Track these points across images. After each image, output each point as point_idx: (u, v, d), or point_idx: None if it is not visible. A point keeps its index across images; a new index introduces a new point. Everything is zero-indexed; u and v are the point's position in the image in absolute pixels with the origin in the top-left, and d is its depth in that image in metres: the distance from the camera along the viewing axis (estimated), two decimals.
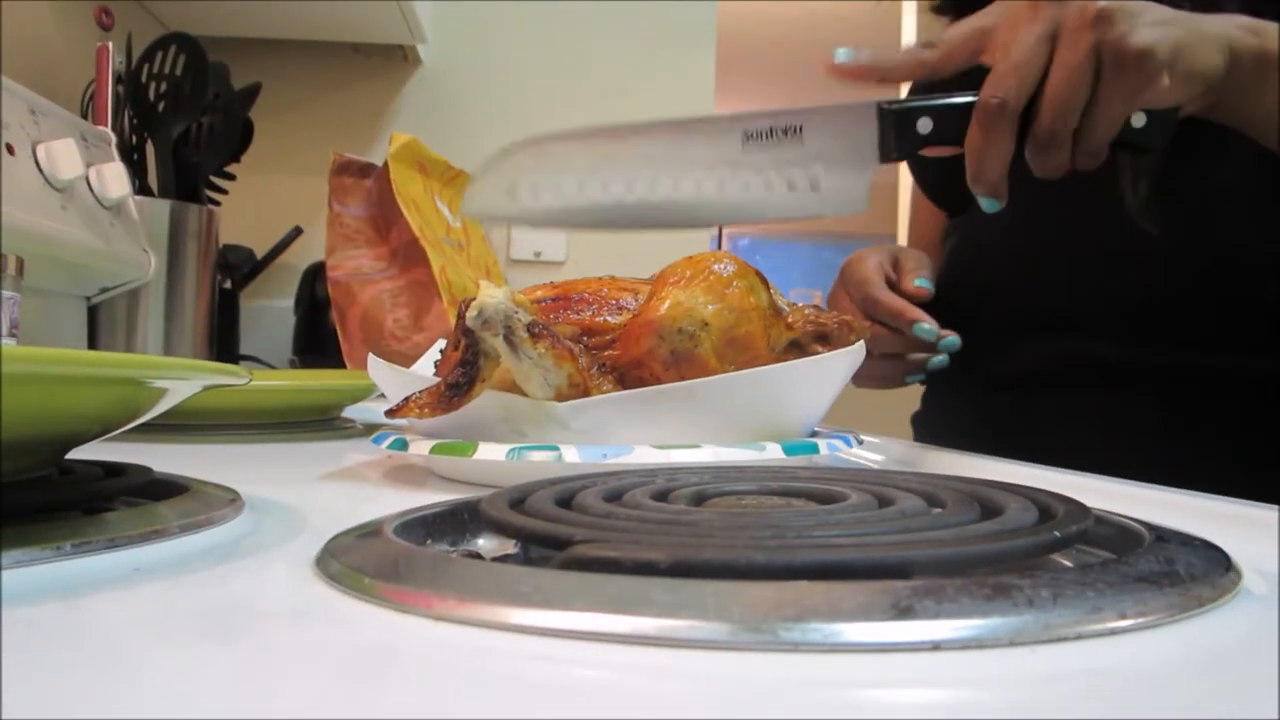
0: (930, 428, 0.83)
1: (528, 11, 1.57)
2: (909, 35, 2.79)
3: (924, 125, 0.51)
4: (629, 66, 1.59)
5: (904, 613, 0.18)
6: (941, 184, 0.83)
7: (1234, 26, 0.51)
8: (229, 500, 0.33)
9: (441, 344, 0.56)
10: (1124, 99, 0.49)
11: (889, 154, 0.51)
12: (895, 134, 0.51)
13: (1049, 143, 0.49)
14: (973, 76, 0.51)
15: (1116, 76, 0.48)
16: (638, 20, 1.59)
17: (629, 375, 0.45)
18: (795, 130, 0.51)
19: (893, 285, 0.71)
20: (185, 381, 0.33)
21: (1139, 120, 0.50)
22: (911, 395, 0.86)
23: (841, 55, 0.52)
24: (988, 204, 0.52)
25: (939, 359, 0.68)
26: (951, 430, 0.78)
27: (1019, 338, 0.70)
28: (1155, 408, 0.64)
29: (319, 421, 0.75)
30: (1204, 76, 0.50)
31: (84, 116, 1.04)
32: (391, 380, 0.53)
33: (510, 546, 0.29)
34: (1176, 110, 0.51)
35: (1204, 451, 0.62)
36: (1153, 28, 0.48)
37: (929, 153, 0.53)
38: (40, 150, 0.81)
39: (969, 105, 0.50)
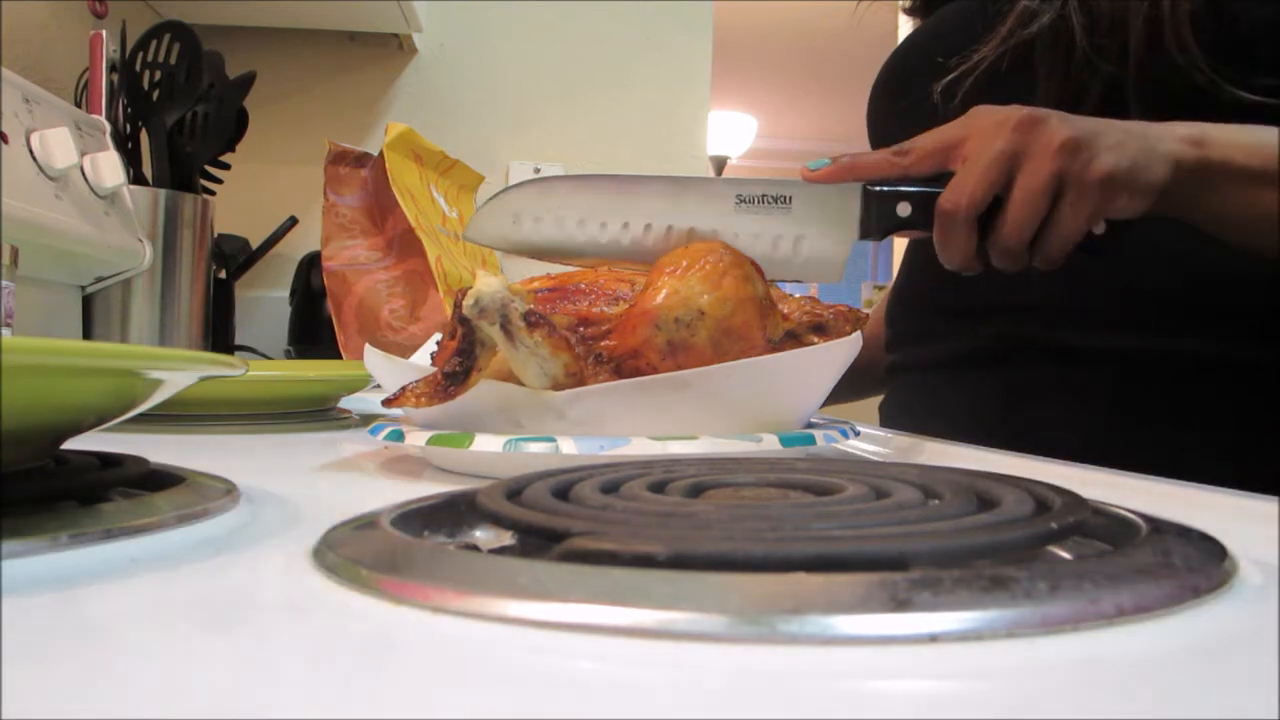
0: (892, 414, 0.86)
1: (523, 1, 1.57)
2: (905, 30, 2.79)
3: (903, 209, 0.55)
4: (625, 58, 1.58)
5: (901, 605, 0.18)
6: None
7: (1176, 139, 0.55)
8: (225, 491, 0.33)
9: (438, 335, 0.56)
10: (1085, 218, 0.53)
11: (869, 231, 0.55)
12: (876, 214, 0.55)
13: (1006, 252, 0.54)
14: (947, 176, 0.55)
15: (1079, 199, 0.52)
16: (634, 12, 1.58)
17: (625, 365, 0.45)
18: (785, 199, 0.55)
19: None
20: (181, 372, 0.33)
21: (1100, 229, 0.54)
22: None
23: (814, 165, 0.56)
24: (961, 274, 0.57)
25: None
26: (909, 413, 0.81)
27: (969, 320, 0.74)
28: (1097, 386, 0.68)
29: (315, 412, 0.75)
30: (1155, 188, 0.54)
31: (78, 105, 1.04)
32: (388, 370, 0.53)
33: (507, 538, 0.29)
34: (1130, 220, 0.55)
35: (1153, 429, 0.65)
36: (1111, 151, 0.53)
37: (903, 235, 0.59)
38: (34, 139, 0.81)
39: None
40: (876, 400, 0.90)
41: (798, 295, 0.53)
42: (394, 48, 1.54)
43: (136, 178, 1.07)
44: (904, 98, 0.76)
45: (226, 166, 1.18)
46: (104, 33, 1.03)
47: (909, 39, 0.84)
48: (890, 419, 0.86)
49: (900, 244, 1.24)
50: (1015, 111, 0.54)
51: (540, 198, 0.55)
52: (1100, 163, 0.52)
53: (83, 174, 0.87)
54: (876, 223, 0.55)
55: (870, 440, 0.61)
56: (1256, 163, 0.56)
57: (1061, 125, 0.53)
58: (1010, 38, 0.66)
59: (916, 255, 0.83)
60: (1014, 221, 0.53)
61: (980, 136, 0.54)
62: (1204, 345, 0.65)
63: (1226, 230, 0.59)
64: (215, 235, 1.16)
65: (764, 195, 0.55)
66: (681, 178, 0.55)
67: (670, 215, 0.55)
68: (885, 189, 0.55)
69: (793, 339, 0.49)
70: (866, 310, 0.56)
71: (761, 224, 0.55)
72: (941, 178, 0.55)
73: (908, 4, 0.86)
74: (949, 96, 0.68)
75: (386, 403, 0.45)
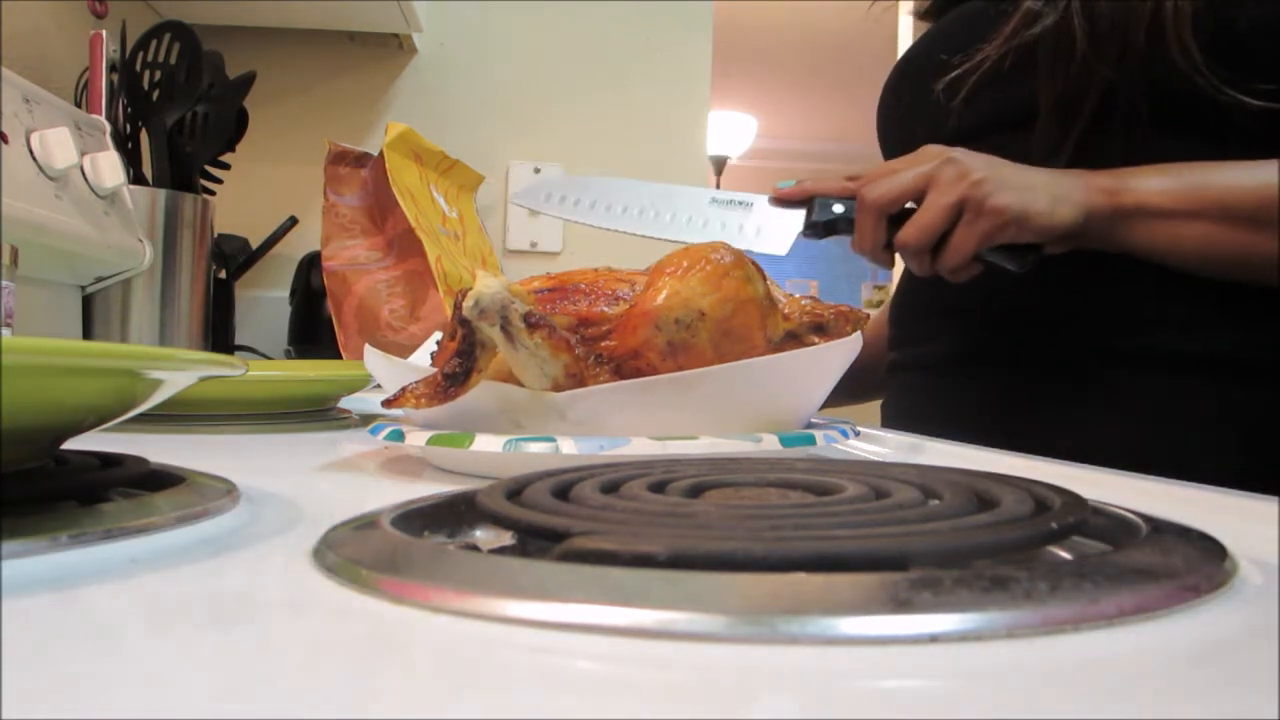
0: (893, 413, 0.87)
1: (523, 1, 1.57)
2: (905, 30, 2.78)
3: (838, 208, 0.69)
4: (625, 58, 1.58)
5: (901, 605, 0.18)
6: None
7: (1091, 188, 0.63)
8: (225, 491, 0.33)
9: (438, 335, 0.56)
10: (975, 239, 0.63)
11: (811, 226, 0.70)
12: (818, 210, 0.69)
13: (906, 247, 0.65)
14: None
15: (972, 222, 0.63)
16: (634, 12, 1.58)
17: (625, 366, 0.45)
18: (748, 204, 0.72)
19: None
20: (181, 372, 0.33)
21: (993, 255, 0.65)
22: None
23: (782, 184, 0.71)
24: (878, 266, 0.73)
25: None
26: (909, 414, 0.82)
27: (968, 321, 0.76)
28: (1097, 385, 0.69)
29: (315, 412, 0.75)
30: (1055, 229, 0.63)
31: (78, 105, 1.04)
32: (388, 371, 0.53)
33: (507, 538, 0.29)
34: (1038, 248, 0.65)
35: (1153, 429, 0.66)
36: (1013, 192, 0.62)
37: (837, 235, 0.71)
38: (34, 139, 0.81)
39: None
40: (877, 403, 0.90)
41: (797, 295, 0.53)
42: (394, 48, 1.54)
43: (136, 178, 1.07)
44: (912, 97, 0.77)
45: (226, 166, 1.17)
46: (104, 33, 1.03)
47: (919, 41, 0.85)
48: (890, 419, 0.86)
49: None
50: (950, 150, 0.65)
51: (566, 183, 0.74)
52: (997, 199, 0.62)
53: (83, 174, 0.87)
54: (817, 215, 0.69)
55: (870, 440, 0.61)
56: (1173, 203, 0.63)
57: (980, 166, 0.63)
58: (1014, 37, 0.68)
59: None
60: (916, 225, 0.64)
61: (914, 163, 0.65)
62: (1204, 345, 0.65)
63: (1158, 258, 0.65)
64: (215, 235, 1.16)
65: (731, 200, 0.72)
66: (670, 186, 0.74)
67: (660, 205, 0.72)
68: (825, 195, 0.70)
69: (793, 339, 0.49)
70: (867, 311, 0.57)
71: (727, 216, 0.72)
72: None
73: (922, 8, 0.88)
74: (952, 94, 0.71)
75: (387, 404, 0.45)
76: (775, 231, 0.70)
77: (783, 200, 0.71)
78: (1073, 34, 0.65)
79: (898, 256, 0.69)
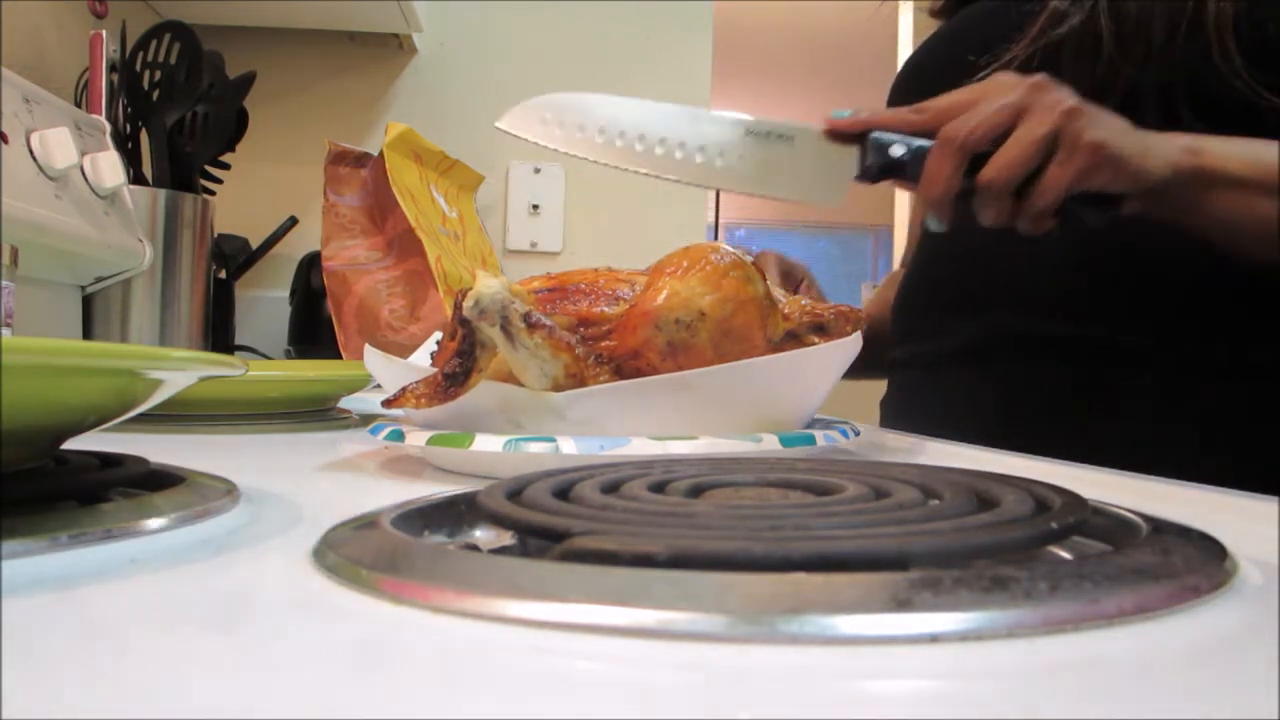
0: (894, 410, 0.87)
1: (523, 1, 1.57)
2: (905, 30, 2.78)
3: (896, 150, 0.59)
4: (625, 58, 1.58)
5: (902, 605, 0.18)
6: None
7: (1175, 147, 0.59)
8: (225, 491, 0.33)
9: (438, 335, 0.56)
10: (1069, 178, 0.56)
11: (865, 167, 0.60)
12: (873, 153, 0.59)
13: (988, 193, 0.57)
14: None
15: (1067, 158, 0.56)
16: (634, 12, 1.58)
17: (626, 366, 0.45)
18: (789, 137, 0.61)
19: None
20: (181, 372, 0.33)
21: (1075, 204, 0.58)
22: (881, 383, 0.90)
23: (838, 114, 0.60)
24: (933, 223, 0.60)
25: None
26: (909, 413, 0.82)
27: (969, 315, 0.75)
28: (1074, 380, 0.69)
29: (315, 412, 0.75)
30: (1142, 179, 0.57)
31: (78, 105, 1.03)
32: (388, 371, 0.53)
33: (508, 538, 0.29)
34: (1118, 203, 0.58)
35: (1152, 428, 0.66)
36: (1109, 129, 0.57)
37: (896, 184, 0.62)
38: (34, 139, 0.81)
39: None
40: (876, 400, 0.90)
41: (797, 295, 0.53)
42: (394, 48, 1.54)
43: (136, 178, 1.07)
44: (923, 95, 0.76)
45: (226, 166, 1.17)
46: (104, 33, 1.03)
47: (930, 40, 0.84)
48: (890, 419, 0.86)
49: (900, 243, 1.24)
50: (1032, 77, 0.57)
51: (569, 105, 0.64)
52: (1095, 132, 0.55)
53: (83, 174, 0.87)
54: (873, 160, 0.59)
55: (870, 440, 0.61)
56: (1252, 173, 0.59)
57: (1071, 95, 0.56)
58: (1040, 37, 0.68)
59: (920, 252, 0.84)
60: (1004, 160, 0.56)
61: (995, 87, 0.58)
62: (1205, 345, 0.65)
63: (1226, 237, 0.61)
64: (215, 235, 1.16)
65: (770, 130, 0.60)
66: (697, 109, 0.61)
67: (684, 135, 0.60)
68: (883, 134, 0.59)
69: (793, 339, 0.49)
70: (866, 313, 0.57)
71: (767, 148, 0.60)
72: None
73: (936, 6, 0.87)
74: None
75: (387, 403, 0.45)
76: (824, 175, 0.60)
77: (837, 134, 0.60)
78: (1099, 34, 0.65)
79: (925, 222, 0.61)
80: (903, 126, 0.59)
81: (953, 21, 0.83)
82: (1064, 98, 0.56)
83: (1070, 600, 0.19)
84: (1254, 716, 0.15)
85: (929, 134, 0.58)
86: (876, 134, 0.59)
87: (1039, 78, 0.57)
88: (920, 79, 0.82)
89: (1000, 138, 0.57)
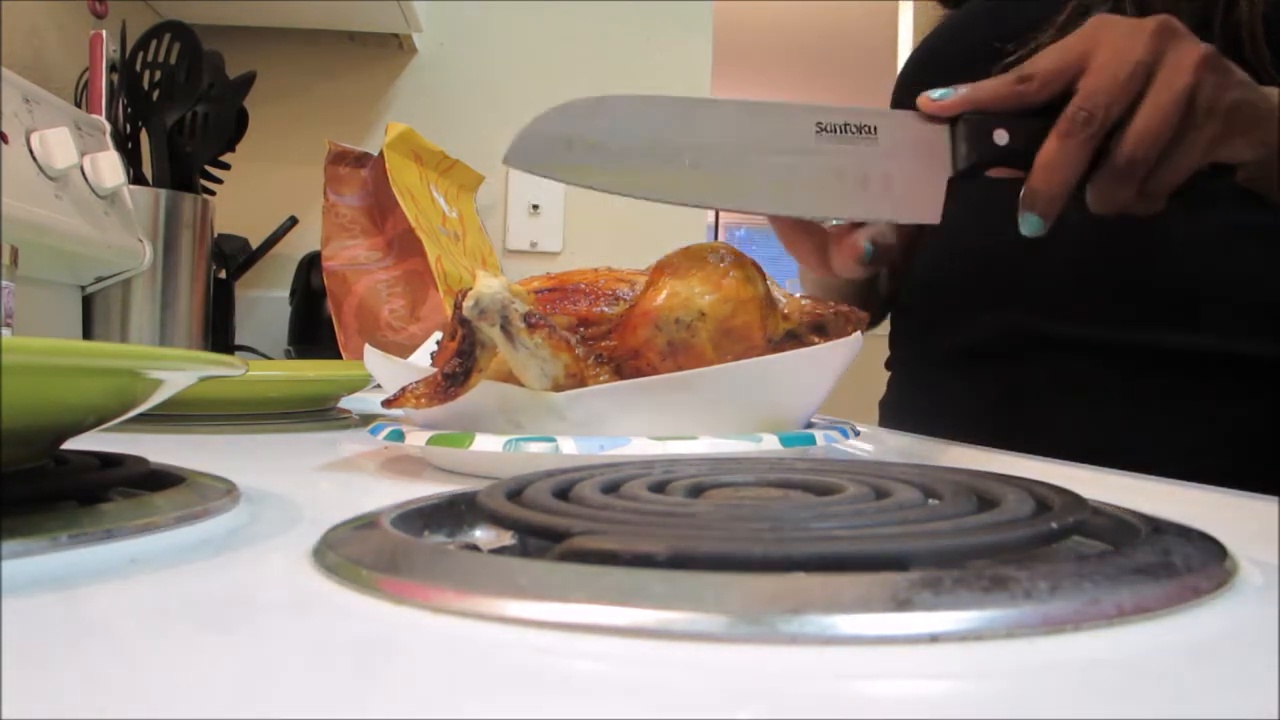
0: (893, 410, 0.86)
1: (523, 1, 1.57)
2: (905, 29, 2.78)
3: (1000, 136, 0.49)
4: (625, 58, 1.58)
5: (902, 605, 0.18)
6: None
7: None
8: (225, 491, 0.33)
9: (438, 335, 0.56)
10: (1204, 147, 0.48)
11: (960, 164, 0.50)
12: (969, 144, 0.49)
13: (1124, 173, 0.48)
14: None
15: (1206, 123, 0.48)
16: (634, 12, 1.58)
17: (626, 366, 0.45)
18: (870, 129, 0.50)
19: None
20: (181, 372, 0.33)
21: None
22: (880, 383, 0.89)
23: (936, 95, 0.51)
24: (1033, 223, 0.50)
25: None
26: (909, 412, 0.81)
27: (970, 313, 0.73)
28: (1074, 380, 0.68)
29: (315, 412, 0.75)
30: (1270, 144, 0.50)
31: (78, 105, 1.04)
32: (388, 371, 0.53)
33: (508, 538, 0.29)
34: (1232, 170, 0.50)
35: (1154, 428, 0.65)
36: (1244, 86, 0.49)
37: (997, 173, 0.51)
38: (34, 139, 0.81)
39: (1047, 123, 0.49)
40: (876, 400, 0.90)
41: (798, 295, 0.53)
42: (394, 48, 1.54)
43: (136, 178, 1.07)
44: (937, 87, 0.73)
45: (226, 166, 1.18)
46: (104, 33, 1.03)
47: (938, 30, 0.83)
48: (890, 419, 0.86)
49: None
50: (1149, 19, 0.49)
51: (594, 120, 0.50)
52: (1235, 91, 0.48)
53: (83, 174, 0.87)
54: (970, 152, 0.49)
55: (870, 440, 0.61)
56: None
57: (1200, 43, 0.48)
58: (1067, 26, 0.66)
59: (920, 252, 0.83)
60: (1142, 133, 0.47)
61: (1113, 45, 0.48)
62: (1207, 343, 0.65)
63: None
64: (215, 235, 1.16)
65: (846, 123, 0.50)
66: (753, 102, 0.51)
67: (743, 142, 0.49)
68: (978, 116, 0.49)
69: (793, 339, 0.49)
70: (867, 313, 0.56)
71: (846, 152, 0.49)
72: (1050, 107, 0.49)
73: None
74: None
75: (387, 403, 0.45)
76: (917, 183, 0.49)
77: (937, 120, 0.51)
78: None
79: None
80: (1014, 100, 0.49)
81: (962, 11, 0.82)
82: (1196, 46, 0.48)
83: (1070, 600, 0.19)
84: (1254, 716, 0.15)
85: (1034, 110, 0.49)
86: (969, 116, 0.49)
87: (1160, 20, 0.48)
88: (931, 70, 0.81)
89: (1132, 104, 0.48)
